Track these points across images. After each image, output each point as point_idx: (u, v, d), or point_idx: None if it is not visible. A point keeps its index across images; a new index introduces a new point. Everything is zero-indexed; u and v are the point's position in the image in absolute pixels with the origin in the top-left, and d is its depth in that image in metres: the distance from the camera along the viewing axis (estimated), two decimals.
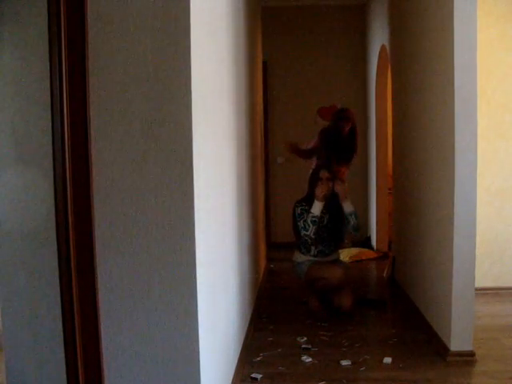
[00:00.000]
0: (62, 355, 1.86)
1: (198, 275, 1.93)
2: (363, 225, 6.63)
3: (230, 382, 2.80)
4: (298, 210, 4.14)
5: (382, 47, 5.65)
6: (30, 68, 1.90)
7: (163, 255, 1.91)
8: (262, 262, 5.25)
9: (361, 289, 4.70)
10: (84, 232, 1.84)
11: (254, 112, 4.45)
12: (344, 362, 3.17)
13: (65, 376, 1.86)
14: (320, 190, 4.06)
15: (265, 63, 6.15)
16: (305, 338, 3.58)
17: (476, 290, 3.20)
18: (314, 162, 5.19)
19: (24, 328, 1.98)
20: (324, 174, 4.11)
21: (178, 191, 1.89)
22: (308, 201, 4.15)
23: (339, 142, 5.14)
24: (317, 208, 4.05)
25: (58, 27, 1.76)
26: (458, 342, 3.16)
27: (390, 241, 5.73)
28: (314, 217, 4.04)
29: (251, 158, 4.18)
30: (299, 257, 4.25)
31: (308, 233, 4.05)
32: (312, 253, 4.21)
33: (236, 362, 3.03)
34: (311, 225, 4.04)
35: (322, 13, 6.63)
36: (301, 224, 4.09)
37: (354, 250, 6.02)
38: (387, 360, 3.18)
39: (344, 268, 4.21)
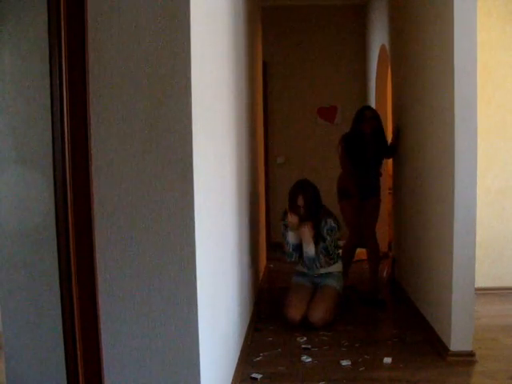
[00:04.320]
0: (62, 355, 1.86)
1: (197, 275, 1.93)
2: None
3: (230, 382, 2.80)
4: (282, 226, 4.01)
5: (382, 47, 5.65)
6: (30, 68, 1.90)
7: (163, 255, 1.91)
8: (262, 262, 5.25)
9: (361, 289, 4.70)
10: (84, 232, 1.85)
11: (253, 112, 4.45)
12: (344, 362, 3.17)
13: (65, 376, 1.86)
14: (291, 219, 3.85)
15: (265, 63, 6.16)
16: (305, 338, 3.58)
17: (476, 289, 3.20)
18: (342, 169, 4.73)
19: (24, 328, 1.97)
20: (293, 218, 3.84)
21: (178, 191, 1.89)
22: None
23: (363, 147, 4.61)
24: (292, 237, 3.92)
25: (58, 27, 1.76)
26: (457, 342, 3.16)
27: (390, 241, 5.73)
28: (292, 245, 3.94)
29: (251, 158, 4.18)
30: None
31: (292, 259, 4.01)
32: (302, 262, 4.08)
33: (236, 361, 3.03)
34: (293, 253, 3.97)
35: (322, 13, 6.63)
36: (285, 244, 4.00)
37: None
38: (387, 360, 3.18)
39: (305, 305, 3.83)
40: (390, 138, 5.03)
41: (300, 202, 3.81)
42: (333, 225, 3.81)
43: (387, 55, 5.41)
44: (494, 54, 4.43)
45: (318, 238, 3.85)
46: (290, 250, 3.95)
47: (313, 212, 3.82)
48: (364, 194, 4.62)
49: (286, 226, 3.94)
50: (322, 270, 4.02)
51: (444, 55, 3.23)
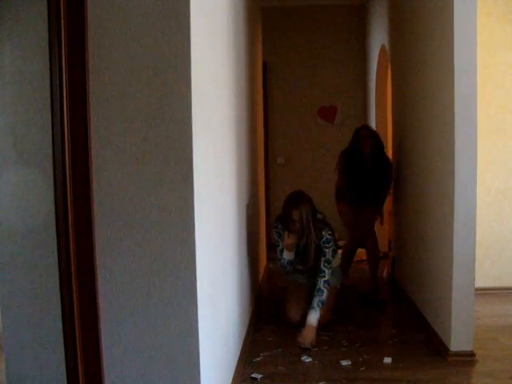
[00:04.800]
0: (62, 355, 1.85)
1: (197, 275, 1.93)
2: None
3: (230, 382, 2.80)
4: (275, 233, 3.89)
5: (382, 47, 5.65)
6: (30, 68, 1.90)
7: (163, 255, 1.91)
8: (262, 262, 5.25)
9: (361, 289, 4.70)
10: (84, 232, 1.84)
11: (253, 112, 4.45)
12: (344, 362, 3.17)
13: (65, 376, 1.86)
14: (287, 239, 3.74)
15: (265, 63, 6.16)
16: None
17: (476, 290, 3.20)
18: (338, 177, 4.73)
19: (24, 328, 1.97)
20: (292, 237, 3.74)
21: (178, 191, 1.89)
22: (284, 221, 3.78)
23: (361, 164, 4.56)
24: (287, 254, 3.82)
25: (58, 27, 1.76)
26: (458, 342, 3.16)
27: (390, 241, 5.73)
28: (288, 261, 3.84)
29: (251, 158, 4.18)
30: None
31: (286, 269, 3.91)
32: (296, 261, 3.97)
33: (236, 362, 3.03)
34: (287, 266, 3.87)
35: (322, 13, 6.63)
36: (278, 252, 3.90)
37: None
38: (387, 360, 3.18)
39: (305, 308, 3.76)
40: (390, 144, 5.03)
41: (295, 216, 3.67)
42: (328, 237, 3.74)
43: (387, 55, 5.41)
44: (494, 54, 4.43)
45: (317, 254, 3.77)
46: (285, 263, 3.87)
47: (308, 225, 3.71)
48: (361, 202, 4.64)
49: (279, 234, 3.87)
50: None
51: (444, 55, 3.23)
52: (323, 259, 3.76)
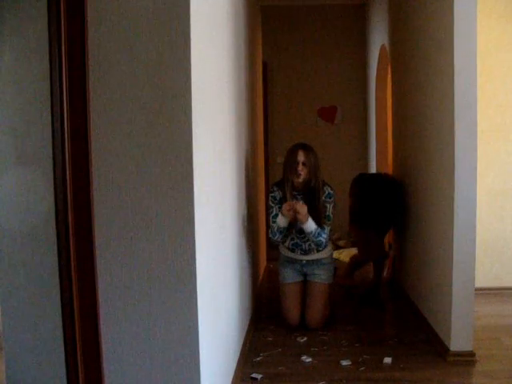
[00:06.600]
0: (62, 355, 1.85)
1: (198, 275, 1.93)
2: None
3: (230, 382, 2.80)
4: (270, 197, 3.72)
5: (382, 47, 5.65)
6: (30, 68, 1.90)
7: (163, 255, 1.91)
8: (262, 262, 5.25)
9: (361, 289, 4.70)
10: (84, 232, 1.84)
11: (253, 112, 4.45)
12: (344, 362, 3.17)
13: (65, 376, 1.86)
14: (286, 208, 3.55)
15: (265, 63, 6.16)
16: (305, 338, 3.58)
17: (476, 290, 3.20)
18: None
19: (24, 328, 1.97)
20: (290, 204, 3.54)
21: (178, 191, 1.89)
22: (281, 185, 3.70)
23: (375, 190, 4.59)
24: (282, 221, 3.60)
25: (58, 27, 1.76)
26: (458, 342, 3.16)
27: (390, 241, 5.73)
28: (279, 227, 3.64)
29: (251, 158, 4.18)
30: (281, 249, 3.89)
31: (275, 238, 3.72)
32: (286, 244, 3.79)
33: (236, 361, 3.03)
34: (277, 233, 3.67)
35: (322, 13, 6.64)
36: (270, 218, 3.71)
37: (354, 250, 6.01)
38: (387, 360, 3.18)
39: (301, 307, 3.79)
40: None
41: (301, 157, 3.57)
42: (330, 191, 3.68)
43: (387, 55, 5.41)
44: (494, 54, 4.43)
45: (318, 209, 3.63)
46: (275, 229, 3.66)
47: (313, 171, 3.60)
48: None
49: (274, 198, 3.71)
50: (311, 257, 3.77)
51: (444, 55, 3.23)
52: (323, 216, 3.64)
